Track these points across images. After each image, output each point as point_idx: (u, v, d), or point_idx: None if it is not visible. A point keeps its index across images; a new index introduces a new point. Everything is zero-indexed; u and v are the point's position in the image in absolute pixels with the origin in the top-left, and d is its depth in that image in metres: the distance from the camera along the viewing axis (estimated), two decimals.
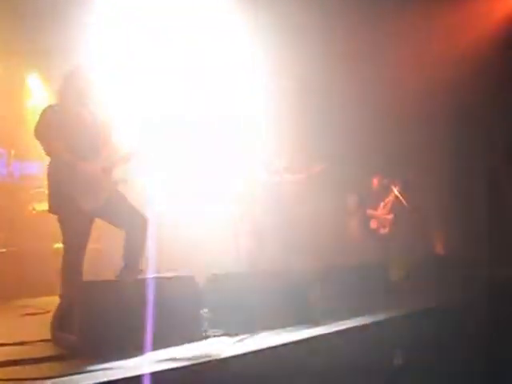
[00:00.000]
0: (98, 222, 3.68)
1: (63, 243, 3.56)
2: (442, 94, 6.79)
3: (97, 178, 3.50)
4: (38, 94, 7.53)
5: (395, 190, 6.62)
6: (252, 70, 6.65)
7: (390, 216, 6.70)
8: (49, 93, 7.28)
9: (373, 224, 6.67)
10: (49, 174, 3.49)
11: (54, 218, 3.58)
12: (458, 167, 6.99)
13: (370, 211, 6.71)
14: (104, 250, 5.73)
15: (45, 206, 6.66)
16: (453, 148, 7.02)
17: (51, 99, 6.68)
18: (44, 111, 3.52)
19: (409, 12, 6.02)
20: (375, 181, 6.80)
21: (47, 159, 3.54)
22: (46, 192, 3.56)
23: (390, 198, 6.71)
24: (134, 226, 3.54)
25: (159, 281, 2.94)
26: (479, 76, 6.35)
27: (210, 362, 2.32)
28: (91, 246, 3.70)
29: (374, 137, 7.17)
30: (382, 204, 6.72)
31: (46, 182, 3.54)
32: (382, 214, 6.70)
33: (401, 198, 6.59)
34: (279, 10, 5.86)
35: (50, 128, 3.40)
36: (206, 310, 3.25)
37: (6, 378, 2.13)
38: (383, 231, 6.72)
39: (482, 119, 6.70)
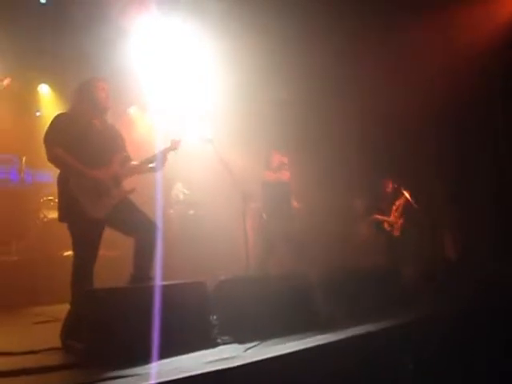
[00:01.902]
0: (108, 229, 3.69)
1: (73, 251, 3.56)
2: (447, 98, 6.74)
3: (106, 186, 3.50)
4: (49, 103, 7.64)
5: (406, 194, 6.55)
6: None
7: (401, 220, 6.64)
8: (59, 102, 7.39)
9: (385, 226, 6.61)
10: (59, 182, 3.49)
11: (64, 225, 3.58)
12: (467, 170, 6.92)
13: (380, 216, 6.66)
14: (115, 258, 5.75)
15: (55, 213, 6.76)
16: (462, 151, 6.95)
17: (62, 108, 6.80)
18: (55, 118, 3.54)
19: (408, 20, 6.03)
20: (388, 184, 6.73)
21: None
22: (57, 200, 3.57)
23: (401, 201, 6.65)
24: (143, 233, 3.54)
25: (168, 288, 2.93)
26: (481, 80, 6.34)
27: (219, 371, 2.30)
28: (102, 253, 3.70)
29: (383, 140, 7.13)
30: (393, 208, 6.66)
31: (56, 190, 3.54)
32: (393, 218, 6.64)
33: (411, 201, 6.53)
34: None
35: (59, 135, 3.41)
36: (215, 317, 3.23)
37: None
38: (394, 235, 6.65)
39: (487, 122, 6.64)
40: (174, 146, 3.81)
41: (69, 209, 3.41)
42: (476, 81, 6.38)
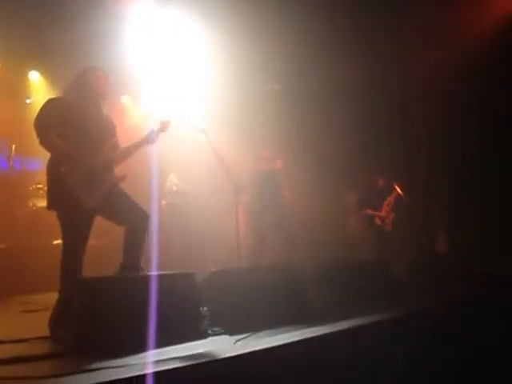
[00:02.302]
0: (98, 218, 3.65)
1: (62, 239, 3.52)
2: (446, 94, 6.76)
3: (97, 173, 3.45)
4: (39, 90, 7.54)
5: (397, 188, 6.59)
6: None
7: (392, 215, 6.67)
8: (50, 89, 7.30)
9: (377, 221, 6.64)
10: (48, 169, 3.44)
11: (53, 214, 3.54)
12: (460, 165, 6.96)
13: (371, 211, 6.67)
14: (104, 247, 5.72)
15: (45, 202, 6.71)
16: (456, 146, 6.98)
17: (52, 94, 6.72)
18: (46, 102, 3.48)
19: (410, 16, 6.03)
20: (380, 180, 6.76)
21: (48, 155, 3.49)
22: (46, 188, 3.53)
23: (392, 196, 6.68)
24: (134, 222, 3.51)
25: (158, 278, 2.91)
26: (478, 77, 6.36)
27: (209, 362, 2.30)
28: (91, 242, 3.66)
29: (376, 135, 7.14)
30: (385, 203, 6.68)
31: (46, 178, 3.50)
32: (384, 213, 6.67)
33: (403, 196, 6.56)
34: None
35: (50, 119, 3.36)
36: (205, 308, 3.22)
37: (3, 376, 2.11)
38: (385, 229, 6.69)
39: (485, 119, 6.67)
40: (163, 127, 3.75)
41: (59, 196, 3.36)
42: (473, 78, 6.40)
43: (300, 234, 5.85)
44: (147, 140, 3.69)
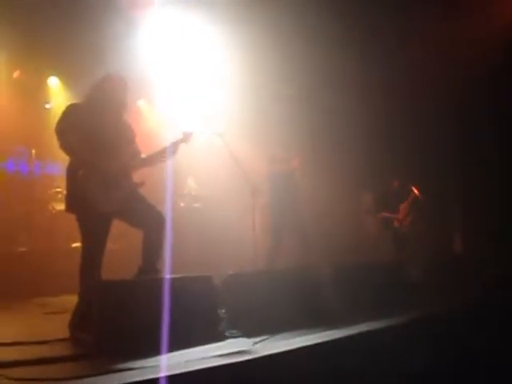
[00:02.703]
0: (116, 222, 3.69)
1: (81, 242, 3.54)
2: (461, 95, 6.70)
3: (115, 178, 3.48)
4: (58, 95, 7.66)
5: (414, 190, 6.53)
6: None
7: (410, 217, 6.62)
8: (69, 95, 7.41)
9: (395, 224, 6.59)
10: (67, 173, 3.48)
11: (72, 217, 3.57)
12: (476, 167, 6.89)
13: (388, 214, 6.63)
14: (123, 250, 5.77)
15: (64, 205, 6.80)
16: (472, 148, 6.92)
17: (71, 101, 6.81)
18: (67, 108, 3.51)
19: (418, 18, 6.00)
20: (395, 182, 6.71)
21: (68, 159, 3.52)
22: (65, 192, 3.57)
23: (410, 198, 6.62)
24: (152, 226, 3.52)
25: (176, 281, 2.94)
26: (493, 81, 6.31)
27: (227, 365, 2.30)
28: (110, 245, 3.70)
29: (391, 136, 7.10)
30: (401, 206, 6.63)
31: (64, 182, 3.54)
32: (401, 215, 6.61)
33: (420, 197, 6.50)
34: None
35: (70, 125, 3.39)
36: (223, 311, 3.24)
37: (23, 377, 2.14)
38: (402, 231, 6.63)
39: (498, 122, 6.60)
40: (185, 139, 3.78)
41: (77, 200, 3.39)
42: (488, 81, 6.33)
43: (315, 236, 5.82)
44: (167, 151, 3.73)
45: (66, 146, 3.39)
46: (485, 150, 6.73)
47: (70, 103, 3.62)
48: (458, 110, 6.87)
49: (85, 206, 3.36)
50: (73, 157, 3.44)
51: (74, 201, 3.42)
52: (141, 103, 8.42)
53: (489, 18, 6.11)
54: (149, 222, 3.53)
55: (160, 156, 3.77)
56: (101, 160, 3.44)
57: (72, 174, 3.43)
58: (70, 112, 3.47)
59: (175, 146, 3.76)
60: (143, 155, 3.79)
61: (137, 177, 3.72)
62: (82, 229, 3.49)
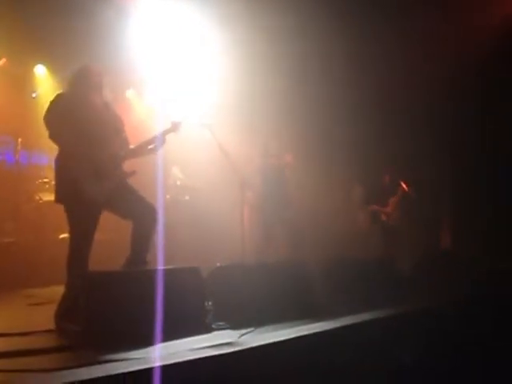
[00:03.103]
0: (105, 212, 3.66)
1: (69, 233, 3.50)
2: (452, 93, 6.74)
3: (105, 167, 3.45)
4: (45, 84, 7.55)
5: (403, 184, 6.58)
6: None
7: (398, 212, 6.67)
8: (56, 83, 7.31)
9: (382, 217, 6.63)
10: (56, 163, 3.44)
11: (60, 208, 3.54)
12: (465, 162, 6.95)
13: (377, 207, 6.67)
14: (112, 241, 5.74)
15: (51, 196, 6.72)
16: (461, 144, 6.97)
17: (58, 89, 6.73)
18: (55, 97, 3.47)
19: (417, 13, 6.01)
20: (386, 177, 6.75)
21: (55, 149, 3.48)
22: (53, 183, 3.54)
23: (399, 193, 6.66)
24: (141, 217, 3.51)
25: (163, 272, 2.93)
26: (484, 75, 6.35)
27: (213, 356, 2.31)
28: (98, 236, 3.68)
29: (383, 132, 7.12)
30: (391, 200, 6.68)
31: (53, 172, 3.50)
32: (390, 209, 6.66)
33: (409, 192, 6.55)
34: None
35: (59, 114, 3.35)
36: (210, 303, 3.24)
37: (9, 368, 2.13)
38: (389, 225, 6.68)
39: (488, 116, 6.66)
40: (174, 128, 3.75)
41: (66, 190, 3.35)
42: (479, 76, 6.38)
43: (306, 231, 5.83)
44: (156, 141, 3.71)
45: (55, 137, 3.35)
46: (475, 145, 6.78)
47: (57, 93, 3.57)
48: (451, 108, 6.90)
49: (74, 197, 3.33)
50: (62, 147, 3.40)
51: (64, 191, 3.38)
52: (130, 93, 8.34)
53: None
54: (138, 213, 3.51)
55: (149, 146, 3.74)
56: (90, 150, 3.40)
57: (61, 164, 3.39)
58: (57, 102, 3.43)
59: (164, 135, 3.74)
60: (132, 146, 3.75)
61: (127, 166, 3.70)
62: (71, 219, 3.45)
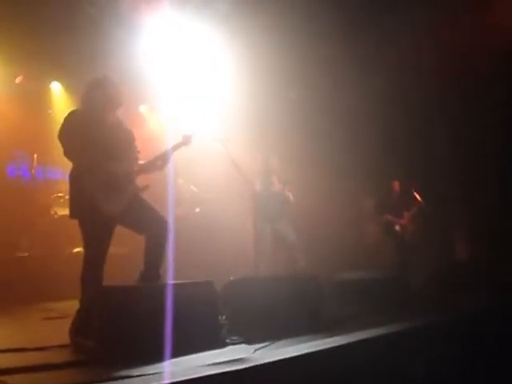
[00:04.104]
0: (119, 226, 3.68)
1: (83, 248, 3.53)
2: (461, 98, 6.69)
3: (118, 182, 3.48)
4: (60, 101, 7.68)
5: (418, 198, 6.47)
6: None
7: (413, 225, 6.59)
8: (71, 100, 7.43)
9: (397, 228, 6.53)
10: (71, 179, 3.47)
11: (74, 222, 3.56)
12: (479, 173, 6.87)
13: (391, 217, 6.57)
14: (126, 255, 5.76)
15: (66, 210, 6.78)
16: (474, 152, 6.89)
17: (74, 106, 6.82)
18: (68, 115, 3.52)
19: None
20: (397, 185, 6.66)
21: (70, 164, 3.52)
22: (67, 197, 3.57)
23: (415, 206, 6.56)
24: (154, 231, 3.52)
25: (177, 287, 2.92)
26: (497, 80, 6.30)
27: (228, 372, 2.29)
28: (113, 250, 3.70)
29: (393, 140, 7.09)
30: (406, 213, 6.58)
31: (68, 187, 3.51)
32: (405, 222, 6.57)
33: (424, 205, 6.45)
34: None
35: (73, 131, 3.40)
36: (224, 317, 3.22)
37: None
38: (404, 238, 6.59)
39: (502, 122, 6.58)
40: (185, 141, 3.78)
41: (81, 205, 3.38)
42: (492, 81, 6.33)
43: (317, 244, 5.80)
44: (167, 156, 3.75)
45: (69, 153, 3.40)
46: (488, 153, 6.70)
47: (71, 110, 3.62)
48: (462, 111, 6.84)
49: (89, 212, 3.35)
50: (76, 163, 3.44)
51: (78, 206, 3.41)
52: (143, 109, 8.44)
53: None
54: (152, 227, 3.52)
55: (160, 161, 3.76)
56: (104, 165, 3.43)
57: (75, 179, 3.43)
58: (70, 119, 3.48)
59: (175, 149, 3.76)
60: (141, 161, 3.77)
61: (140, 181, 3.73)
62: (85, 234, 3.47)
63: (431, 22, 6.16)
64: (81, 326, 2.95)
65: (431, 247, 6.87)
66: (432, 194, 6.82)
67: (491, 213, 6.64)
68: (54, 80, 7.68)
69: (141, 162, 3.77)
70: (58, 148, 3.55)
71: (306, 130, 7.05)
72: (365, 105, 6.92)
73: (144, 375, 2.25)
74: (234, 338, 3.04)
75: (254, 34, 6.06)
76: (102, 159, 3.43)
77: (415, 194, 6.50)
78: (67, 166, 3.59)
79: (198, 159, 6.42)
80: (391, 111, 6.93)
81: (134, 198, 3.56)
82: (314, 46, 6.32)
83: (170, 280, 3.24)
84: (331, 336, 3.04)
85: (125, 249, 5.78)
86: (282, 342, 2.95)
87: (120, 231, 3.74)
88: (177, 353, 2.60)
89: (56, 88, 7.74)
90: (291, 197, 5.70)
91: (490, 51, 6.15)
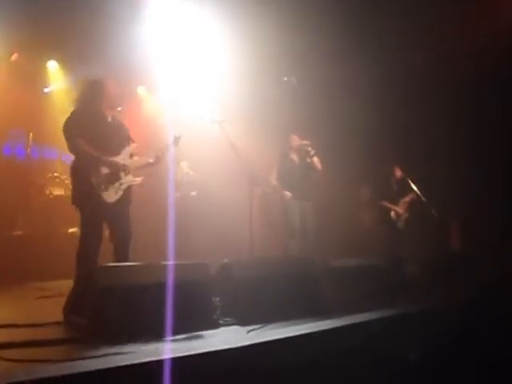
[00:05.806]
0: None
1: (80, 229, 3.77)
2: (465, 86, 6.66)
3: (118, 174, 3.79)
4: (57, 79, 7.60)
5: (415, 188, 6.46)
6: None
7: (408, 213, 6.59)
8: (68, 79, 7.36)
9: (392, 215, 6.53)
10: (72, 170, 3.74)
11: (69, 202, 3.72)
12: (476, 162, 6.86)
13: (387, 204, 6.56)
14: None
15: (61, 190, 6.80)
16: (471, 142, 6.89)
17: (70, 85, 6.79)
18: (71, 112, 3.78)
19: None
20: (398, 171, 6.63)
21: (65, 145, 3.73)
22: (64, 179, 3.74)
23: (410, 196, 6.56)
24: (122, 241, 3.80)
25: (172, 267, 2.93)
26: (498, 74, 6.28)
27: (220, 351, 2.30)
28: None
29: (392, 129, 7.06)
30: (401, 201, 6.58)
31: (70, 178, 3.83)
32: (401, 209, 6.57)
33: (420, 195, 6.44)
34: None
35: (75, 129, 3.65)
36: (217, 299, 3.23)
37: (17, 358, 2.14)
38: (398, 226, 6.60)
39: (500, 114, 6.56)
40: (175, 142, 4.09)
41: (82, 193, 3.66)
42: (494, 74, 6.30)
43: (314, 227, 5.82)
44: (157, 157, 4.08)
45: (73, 150, 3.70)
46: (487, 146, 6.69)
47: (73, 107, 3.87)
48: (463, 103, 6.81)
49: (88, 199, 3.65)
50: (81, 157, 3.70)
51: (79, 194, 3.69)
52: (141, 90, 8.37)
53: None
54: (121, 236, 3.81)
55: (151, 160, 4.07)
56: (103, 159, 3.72)
57: (77, 170, 3.71)
58: (73, 115, 3.76)
59: (164, 151, 4.08)
60: (135, 158, 4.06)
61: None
62: (84, 217, 3.71)
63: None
64: (75, 305, 2.96)
65: (426, 236, 6.88)
66: (429, 182, 6.81)
67: (489, 204, 6.65)
68: (50, 59, 7.58)
69: (135, 158, 4.05)
70: (53, 127, 3.64)
71: (305, 117, 7.02)
72: (366, 94, 6.89)
73: (136, 352, 2.27)
74: (227, 319, 3.06)
75: (256, 18, 6.00)
76: (102, 153, 3.71)
77: (411, 184, 6.48)
78: (63, 145, 3.80)
79: (196, 141, 6.39)
80: (392, 100, 6.90)
81: (126, 192, 3.83)
82: (320, 30, 6.27)
83: (166, 261, 3.24)
84: (325, 319, 3.06)
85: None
86: (275, 324, 2.97)
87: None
88: (170, 332, 2.61)
89: (52, 66, 7.65)
90: (317, 164, 5.72)
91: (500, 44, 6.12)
